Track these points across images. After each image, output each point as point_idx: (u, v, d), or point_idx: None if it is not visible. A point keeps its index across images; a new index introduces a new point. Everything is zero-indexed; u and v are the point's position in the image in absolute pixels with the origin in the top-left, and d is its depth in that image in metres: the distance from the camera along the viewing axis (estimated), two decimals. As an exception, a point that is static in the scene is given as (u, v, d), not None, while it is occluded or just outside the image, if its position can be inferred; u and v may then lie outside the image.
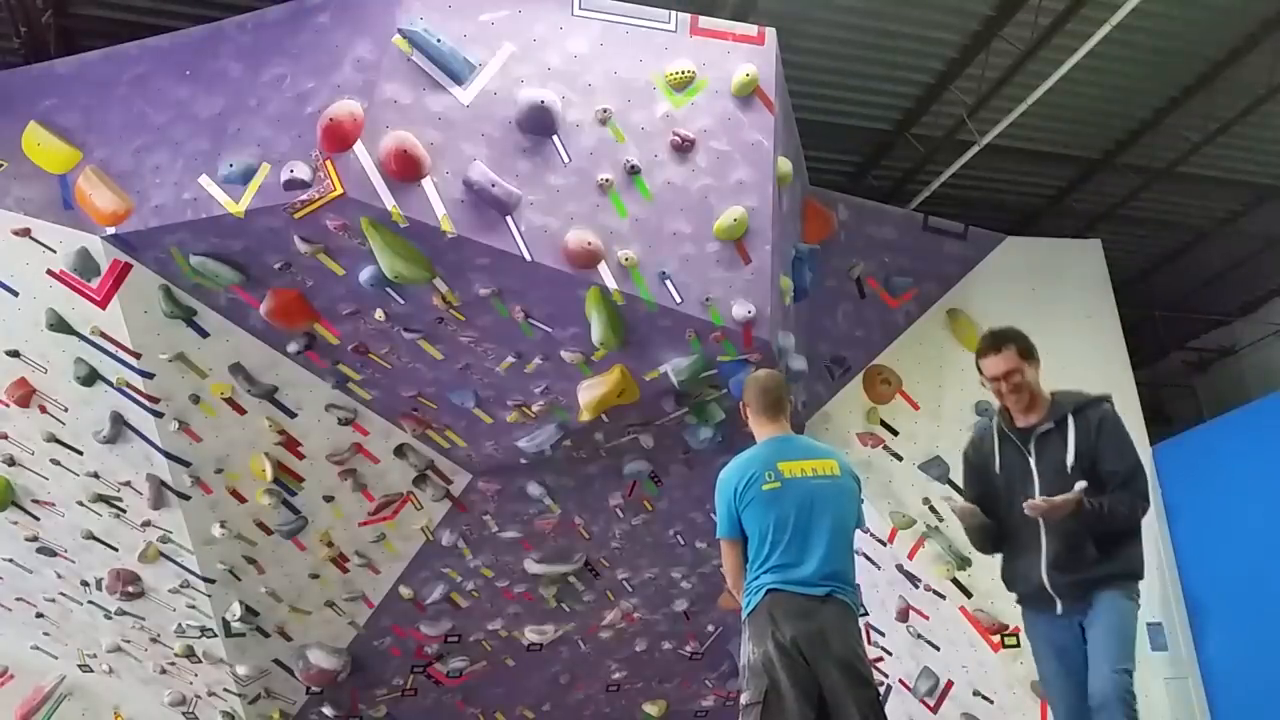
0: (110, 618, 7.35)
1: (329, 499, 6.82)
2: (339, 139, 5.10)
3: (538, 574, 7.66)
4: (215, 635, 7.20)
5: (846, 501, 3.81)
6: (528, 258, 5.30)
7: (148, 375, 6.01)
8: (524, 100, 5.35)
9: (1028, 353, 3.77)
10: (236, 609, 6.99)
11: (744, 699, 3.55)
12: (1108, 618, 3.63)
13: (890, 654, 7.80)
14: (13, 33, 6.58)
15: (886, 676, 7.77)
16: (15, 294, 5.90)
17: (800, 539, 3.64)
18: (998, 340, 3.78)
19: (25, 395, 6.18)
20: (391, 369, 6.17)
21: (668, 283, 5.52)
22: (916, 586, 7.44)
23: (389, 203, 5.11)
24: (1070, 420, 3.71)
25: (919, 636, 7.58)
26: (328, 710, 7.84)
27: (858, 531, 3.94)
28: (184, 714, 8.00)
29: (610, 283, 5.42)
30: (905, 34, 7.49)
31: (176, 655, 7.40)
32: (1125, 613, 3.67)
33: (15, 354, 6.06)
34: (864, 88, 8.04)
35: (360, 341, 6.00)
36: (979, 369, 3.82)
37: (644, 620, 8.33)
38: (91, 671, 8.08)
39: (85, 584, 7.20)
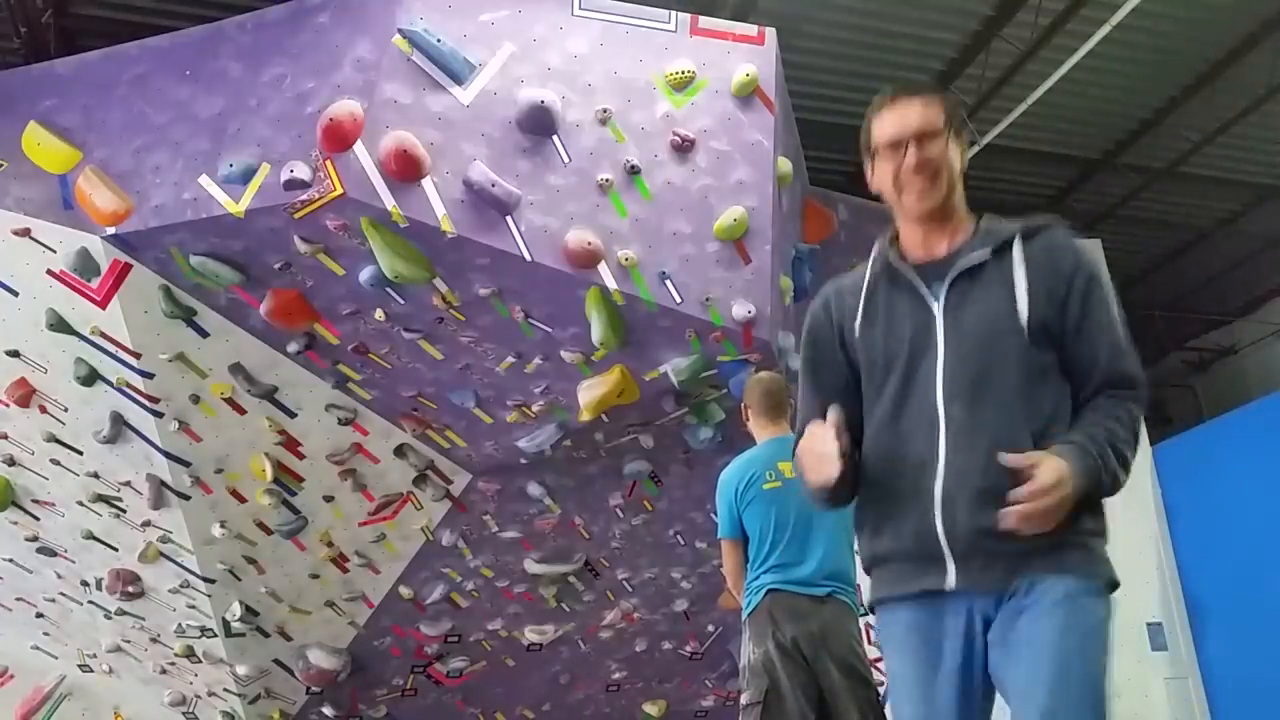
0: (110, 618, 7.35)
1: (329, 499, 6.81)
2: (339, 139, 5.09)
3: (538, 574, 7.66)
4: (215, 635, 7.20)
5: (847, 502, 3.81)
6: (528, 258, 5.30)
7: (148, 375, 6.01)
8: (524, 100, 5.35)
9: (954, 117, 2.17)
10: (236, 609, 6.99)
11: (744, 699, 3.57)
12: (1058, 655, 1.88)
13: (890, 654, 7.79)
14: (13, 33, 6.59)
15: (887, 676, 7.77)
16: (15, 294, 5.90)
17: (800, 539, 3.65)
18: (913, 88, 2.19)
19: (25, 395, 6.18)
20: (391, 369, 6.17)
21: (668, 283, 5.52)
22: (916, 586, 7.42)
23: (389, 203, 5.11)
24: (1018, 250, 2.07)
25: (919, 636, 7.56)
26: (328, 710, 7.84)
27: (857, 531, 3.94)
28: (184, 714, 8.00)
29: (610, 283, 5.42)
30: (905, 34, 7.49)
31: (176, 655, 7.40)
32: (1094, 633, 1.93)
33: (15, 354, 6.06)
34: (864, 88, 8.04)
35: (360, 341, 6.00)
36: (867, 139, 2.21)
37: (644, 620, 8.33)
38: (91, 671, 8.08)
39: (85, 584, 7.20)
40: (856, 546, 2.31)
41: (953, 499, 1.97)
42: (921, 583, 2.02)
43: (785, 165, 6.01)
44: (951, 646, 2.01)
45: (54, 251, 5.72)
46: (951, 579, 1.98)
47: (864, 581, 2.30)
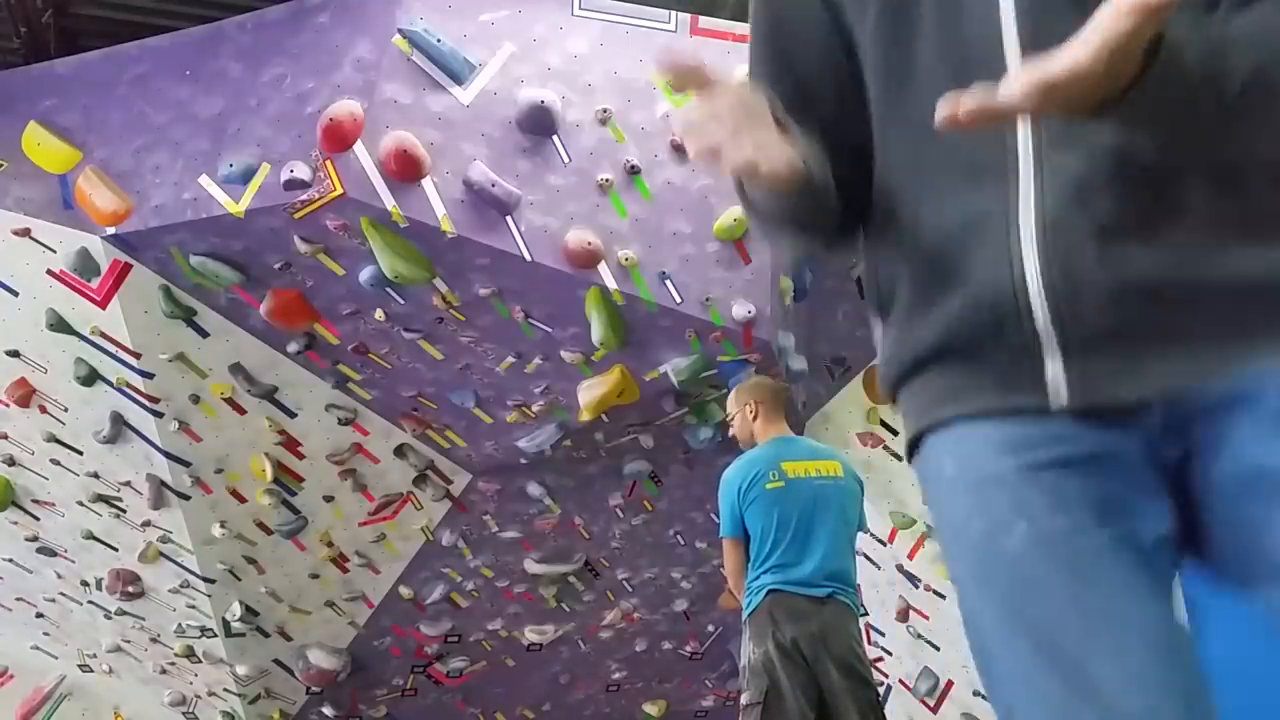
0: (110, 618, 7.35)
1: (329, 499, 6.82)
2: (339, 139, 5.10)
3: (538, 574, 7.67)
4: (215, 635, 7.20)
5: (849, 503, 3.85)
6: (528, 258, 5.31)
7: (148, 375, 6.01)
8: (524, 100, 5.35)
9: None
10: (236, 609, 7.00)
11: (744, 699, 3.58)
12: None
13: (890, 654, 7.80)
14: (13, 33, 6.57)
15: (886, 676, 7.78)
16: (15, 294, 5.90)
17: (802, 539, 3.67)
18: None
19: (25, 395, 6.19)
20: (391, 369, 6.17)
21: (668, 283, 5.53)
22: (917, 586, 7.44)
23: (389, 203, 5.12)
24: None
25: (919, 636, 7.58)
26: (328, 710, 7.85)
27: (858, 532, 3.96)
28: (184, 714, 8.01)
29: (610, 283, 5.43)
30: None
31: (176, 655, 7.40)
32: None
33: (15, 354, 6.06)
34: (864, 88, 8.04)
35: (360, 341, 6.00)
36: None
37: (644, 620, 8.33)
38: (91, 672, 8.09)
39: (85, 584, 7.20)
40: (880, 381, 1.34)
41: (1062, 232, 1.04)
42: (1004, 397, 1.09)
43: (785, 165, 6.01)
44: (1097, 490, 1.04)
45: (54, 251, 5.72)
46: (1059, 389, 1.05)
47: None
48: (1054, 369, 1.05)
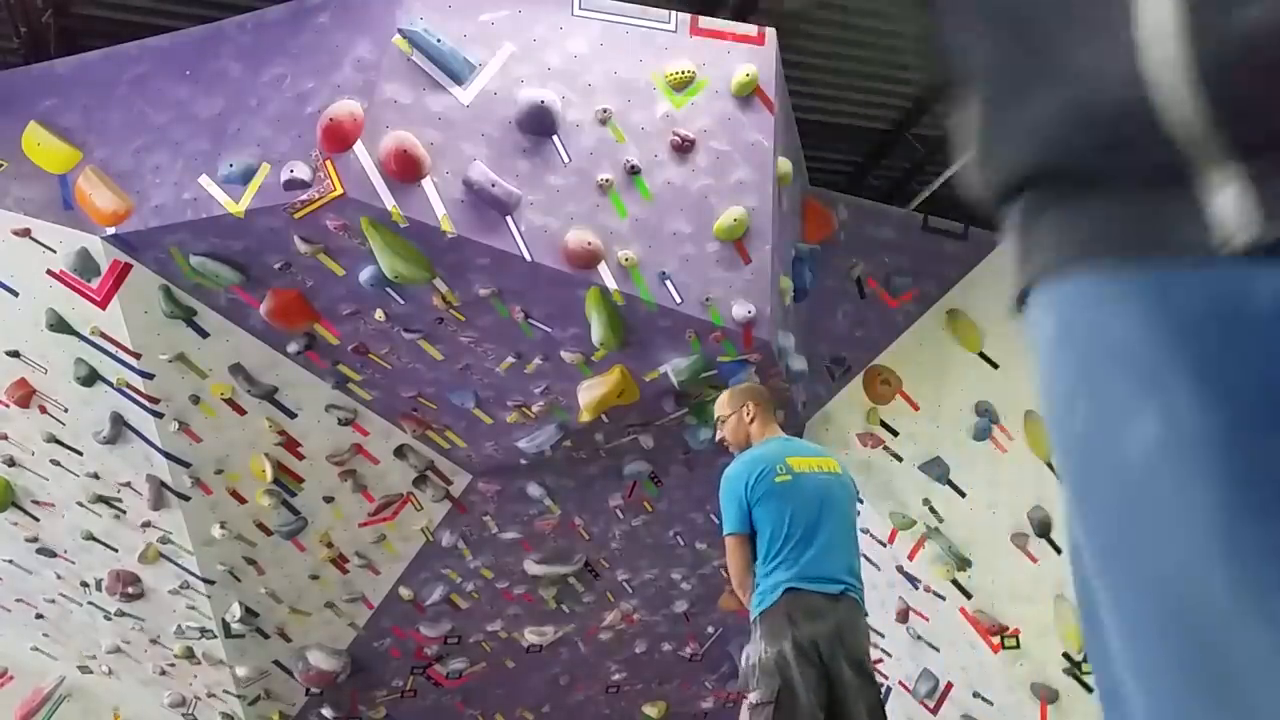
0: (110, 619, 7.34)
1: (329, 500, 6.81)
2: (339, 139, 5.10)
3: (537, 575, 7.67)
4: (215, 636, 7.19)
5: (850, 500, 3.85)
6: (528, 258, 5.31)
7: (148, 375, 6.01)
8: (524, 100, 5.35)
9: None
10: (236, 610, 6.99)
11: (753, 698, 3.55)
12: None
13: (890, 655, 7.80)
14: (13, 33, 6.57)
15: (886, 678, 7.78)
16: (15, 294, 5.90)
17: (813, 534, 3.66)
18: None
19: (25, 395, 6.18)
20: (391, 369, 6.17)
21: (668, 283, 5.52)
22: (916, 588, 7.44)
23: (389, 203, 5.11)
24: None
25: (919, 638, 7.58)
26: (327, 711, 7.84)
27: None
28: (184, 715, 7.99)
29: (610, 283, 5.42)
30: (906, 33, 7.49)
31: (176, 656, 7.39)
32: None
33: (15, 354, 6.06)
34: (864, 88, 8.04)
35: (360, 341, 6.00)
36: None
37: (644, 622, 8.33)
38: (91, 673, 8.07)
39: (85, 585, 7.19)
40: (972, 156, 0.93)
41: None
42: (1143, 239, 0.69)
43: (785, 165, 6.01)
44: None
45: (54, 251, 5.72)
46: (1237, 217, 0.64)
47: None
48: (1222, 190, 0.65)
